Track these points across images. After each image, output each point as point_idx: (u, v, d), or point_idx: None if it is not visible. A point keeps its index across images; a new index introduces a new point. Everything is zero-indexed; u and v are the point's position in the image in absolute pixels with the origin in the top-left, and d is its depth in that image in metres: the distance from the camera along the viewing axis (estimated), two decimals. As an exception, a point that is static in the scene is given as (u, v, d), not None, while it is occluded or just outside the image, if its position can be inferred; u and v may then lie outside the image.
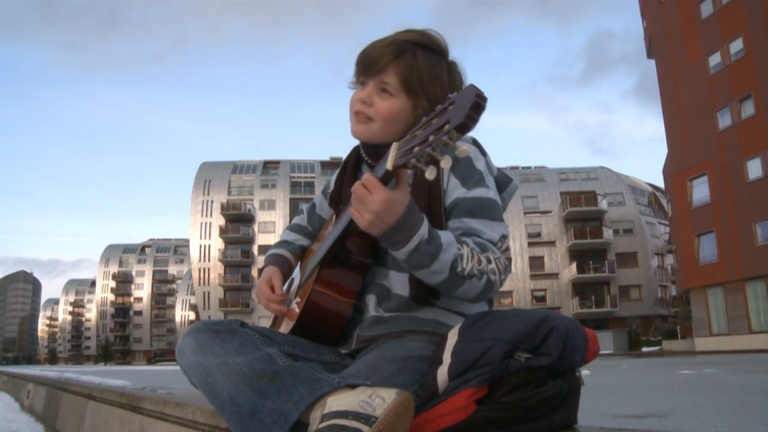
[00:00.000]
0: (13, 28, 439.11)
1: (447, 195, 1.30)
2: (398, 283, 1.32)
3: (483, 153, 1.35)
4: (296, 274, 1.61)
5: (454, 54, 1.40)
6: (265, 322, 1.71)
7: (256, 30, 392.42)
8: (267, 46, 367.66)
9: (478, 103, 0.90)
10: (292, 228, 1.69)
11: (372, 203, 1.07)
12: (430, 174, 0.95)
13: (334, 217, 1.46)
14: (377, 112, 1.33)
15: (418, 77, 1.32)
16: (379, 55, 1.33)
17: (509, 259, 1.24)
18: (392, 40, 1.35)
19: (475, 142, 1.36)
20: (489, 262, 1.18)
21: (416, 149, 0.97)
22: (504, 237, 1.26)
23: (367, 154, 1.43)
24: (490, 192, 1.29)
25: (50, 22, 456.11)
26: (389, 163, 1.03)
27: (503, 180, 1.38)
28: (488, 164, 1.34)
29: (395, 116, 1.33)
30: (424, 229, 1.12)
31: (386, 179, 1.07)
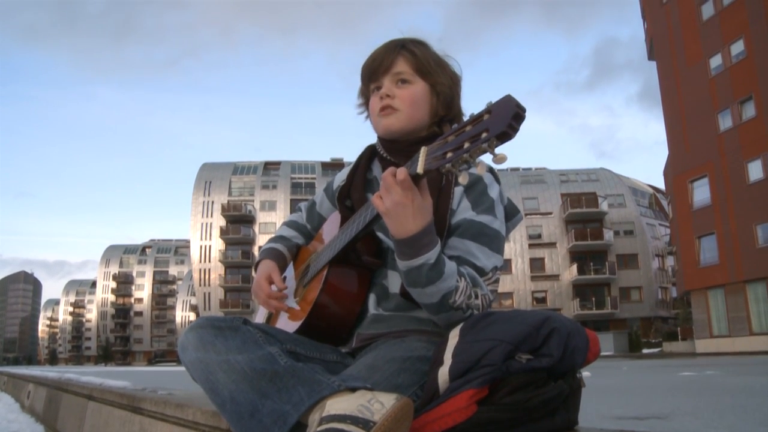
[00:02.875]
0: (30, 33, 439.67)
1: (455, 215, 1.30)
2: (396, 283, 1.32)
3: (497, 181, 1.37)
4: (290, 272, 1.60)
5: (464, 58, 1.43)
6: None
7: (266, 35, 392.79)
8: (276, 51, 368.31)
9: (518, 114, 0.90)
10: (289, 224, 1.68)
11: (396, 194, 1.08)
12: (463, 179, 0.95)
13: (340, 217, 1.45)
14: (401, 101, 1.37)
15: (426, 62, 1.39)
16: (385, 54, 1.39)
17: (494, 292, 1.28)
18: (389, 42, 1.42)
19: (491, 170, 1.37)
20: (476, 297, 1.21)
21: (450, 155, 0.96)
22: (496, 268, 1.28)
23: (385, 150, 1.44)
24: (496, 222, 1.30)
25: (67, 28, 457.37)
26: (420, 167, 1.03)
27: (511, 210, 1.40)
28: (501, 193, 1.36)
29: (418, 100, 1.38)
30: (433, 254, 1.13)
31: (414, 182, 1.08)
